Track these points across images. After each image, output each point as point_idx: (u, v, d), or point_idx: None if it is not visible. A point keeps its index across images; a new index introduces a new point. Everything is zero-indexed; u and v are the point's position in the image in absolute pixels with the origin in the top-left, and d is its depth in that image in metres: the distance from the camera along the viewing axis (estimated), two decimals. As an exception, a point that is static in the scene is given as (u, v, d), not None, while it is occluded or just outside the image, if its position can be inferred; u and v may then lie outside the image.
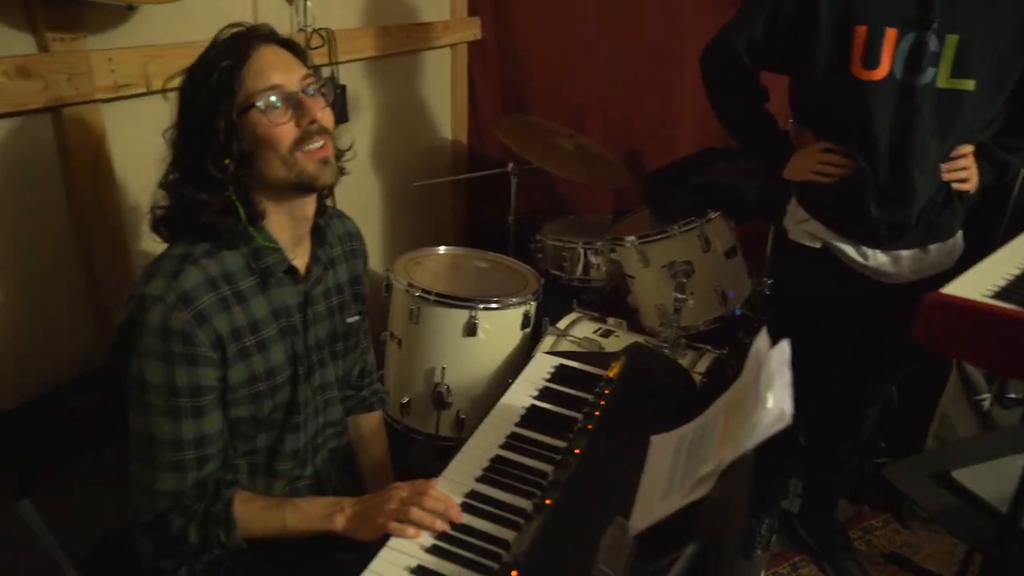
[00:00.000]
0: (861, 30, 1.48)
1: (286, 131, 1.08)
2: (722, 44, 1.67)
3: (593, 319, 2.10)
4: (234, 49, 1.07)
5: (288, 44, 1.14)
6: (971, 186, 1.60)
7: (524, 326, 1.98)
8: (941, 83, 1.49)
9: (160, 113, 1.65)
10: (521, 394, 1.41)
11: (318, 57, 2.08)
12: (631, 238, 2.07)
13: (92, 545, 1.44)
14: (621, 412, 1.30)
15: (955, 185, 1.59)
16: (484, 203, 3.15)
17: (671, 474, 1.04)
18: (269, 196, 1.14)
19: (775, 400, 0.80)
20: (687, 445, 1.06)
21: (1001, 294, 1.06)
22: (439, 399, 1.92)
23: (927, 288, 1.07)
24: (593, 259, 2.33)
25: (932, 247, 1.66)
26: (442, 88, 2.98)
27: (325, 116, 1.12)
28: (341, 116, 2.15)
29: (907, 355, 1.83)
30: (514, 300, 1.94)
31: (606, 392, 1.35)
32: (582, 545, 0.97)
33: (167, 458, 1.09)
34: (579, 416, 1.32)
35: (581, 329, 2.02)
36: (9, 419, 1.32)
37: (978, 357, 1.24)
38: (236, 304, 1.11)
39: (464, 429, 1.96)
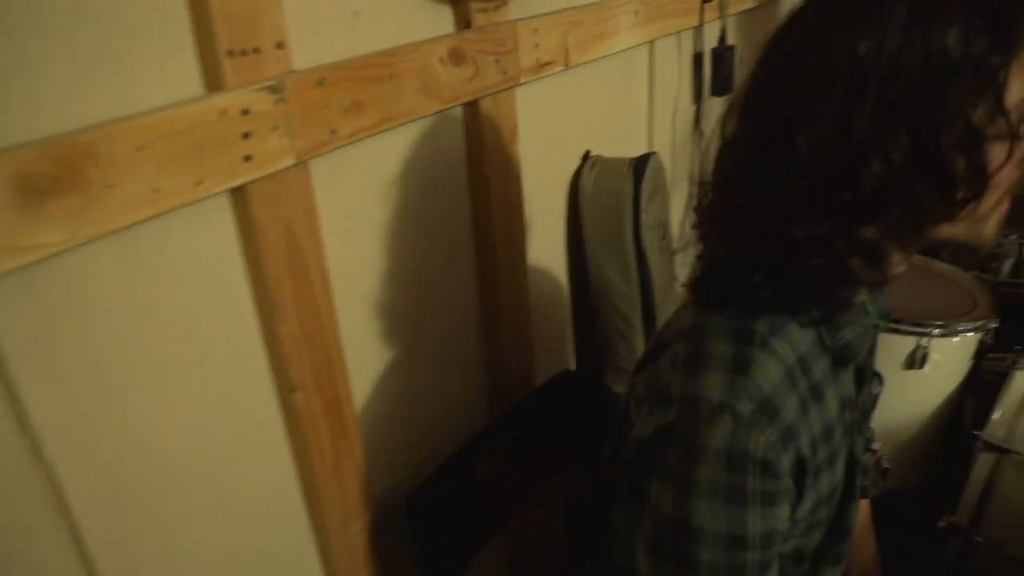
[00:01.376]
0: None
1: (1013, 175, 0.67)
2: None
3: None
4: (990, 22, 0.60)
5: None
6: None
7: (975, 356, 1.54)
8: None
9: (557, 96, 1.34)
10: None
11: (708, 11, 1.67)
12: None
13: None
14: None
15: None
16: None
17: None
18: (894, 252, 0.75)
19: None
20: None
21: None
22: (862, 444, 1.54)
23: None
24: (1032, 257, 1.82)
25: None
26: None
27: None
28: (727, 85, 1.75)
29: None
30: (967, 325, 1.49)
31: None
32: None
33: None
34: None
35: (1058, 366, 1.54)
36: (416, 499, 1.06)
37: None
38: (813, 403, 0.75)
39: (885, 480, 1.57)
